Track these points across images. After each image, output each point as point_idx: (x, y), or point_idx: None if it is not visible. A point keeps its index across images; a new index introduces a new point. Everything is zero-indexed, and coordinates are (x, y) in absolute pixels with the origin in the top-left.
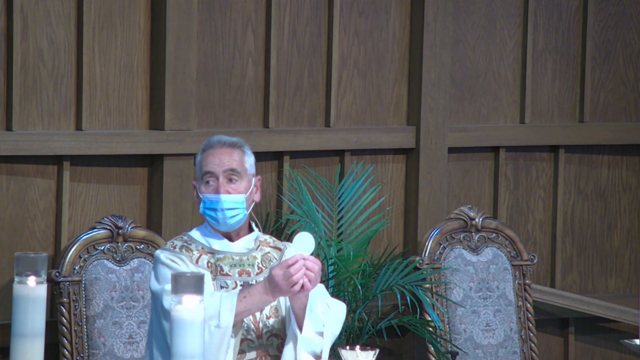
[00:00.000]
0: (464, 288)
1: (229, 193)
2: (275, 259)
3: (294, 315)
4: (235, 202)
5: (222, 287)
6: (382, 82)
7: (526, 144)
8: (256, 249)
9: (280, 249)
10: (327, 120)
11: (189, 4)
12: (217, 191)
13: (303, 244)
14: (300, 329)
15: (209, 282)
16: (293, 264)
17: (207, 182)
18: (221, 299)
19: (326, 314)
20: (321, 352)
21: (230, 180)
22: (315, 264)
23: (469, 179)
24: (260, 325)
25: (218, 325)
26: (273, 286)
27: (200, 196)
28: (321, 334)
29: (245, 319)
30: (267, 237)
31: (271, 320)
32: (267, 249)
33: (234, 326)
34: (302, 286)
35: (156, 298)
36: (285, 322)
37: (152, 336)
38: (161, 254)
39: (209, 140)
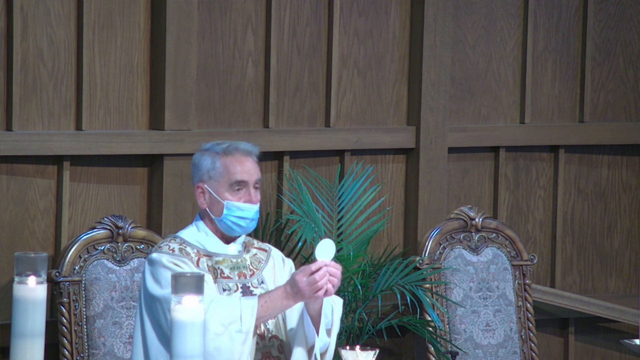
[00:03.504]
0: (464, 288)
1: (258, 202)
2: (263, 260)
3: (310, 317)
4: (258, 211)
5: (224, 290)
6: (382, 82)
7: (526, 144)
8: (244, 251)
9: (265, 250)
10: (327, 120)
11: (189, 4)
12: (251, 201)
13: (325, 250)
14: (317, 331)
15: (212, 285)
16: (317, 271)
17: (237, 190)
18: (241, 304)
19: (334, 313)
20: (326, 349)
21: (256, 189)
22: (338, 270)
23: (469, 179)
24: (262, 327)
25: (240, 330)
26: (295, 292)
27: (225, 202)
28: (329, 331)
29: None
30: (250, 239)
31: (271, 322)
32: (254, 250)
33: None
34: (325, 292)
35: (157, 303)
36: (278, 324)
37: (148, 342)
38: (162, 257)
39: (235, 145)
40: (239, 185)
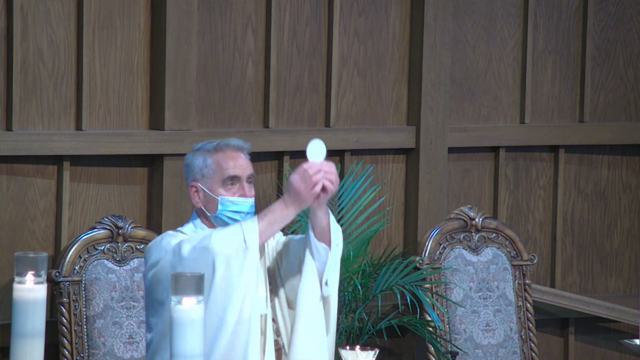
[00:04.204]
0: (464, 288)
1: (253, 197)
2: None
3: (320, 229)
4: (253, 205)
5: None
6: (382, 82)
7: (526, 144)
8: None
9: None
10: (327, 120)
11: (189, 4)
12: (245, 195)
13: (316, 151)
14: (329, 246)
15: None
16: (310, 167)
17: (231, 185)
18: (242, 224)
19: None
20: (335, 264)
21: (249, 183)
22: (331, 167)
23: (469, 179)
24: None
25: (246, 249)
26: (293, 195)
27: (219, 198)
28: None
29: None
30: None
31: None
32: None
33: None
34: (324, 190)
35: (160, 276)
36: (275, 306)
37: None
38: (167, 232)
39: (226, 142)
40: (232, 180)
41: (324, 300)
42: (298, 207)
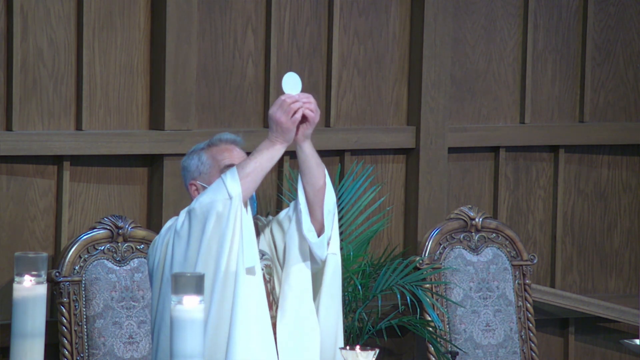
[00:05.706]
0: (464, 288)
1: None
2: (262, 232)
3: (308, 172)
4: (254, 194)
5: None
6: (382, 82)
7: (526, 144)
8: None
9: (256, 225)
10: (327, 120)
11: (189, 4)
12: None
13: (291, 84)
14: (322, 203)
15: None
16: (287, 97)
17: None
18: (222, 177)
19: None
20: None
21: None
22: (309, 97)
23: (469, 179)
24: (270, 298)
25: (229, 198)
26: (275, 128)
27: None
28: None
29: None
30: None
31: (277, 290)
32: None
33: (246, 194)
34: (307, 119)
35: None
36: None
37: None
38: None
39: (219, 137)
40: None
41: (323, 261)
42: (283, 140)
